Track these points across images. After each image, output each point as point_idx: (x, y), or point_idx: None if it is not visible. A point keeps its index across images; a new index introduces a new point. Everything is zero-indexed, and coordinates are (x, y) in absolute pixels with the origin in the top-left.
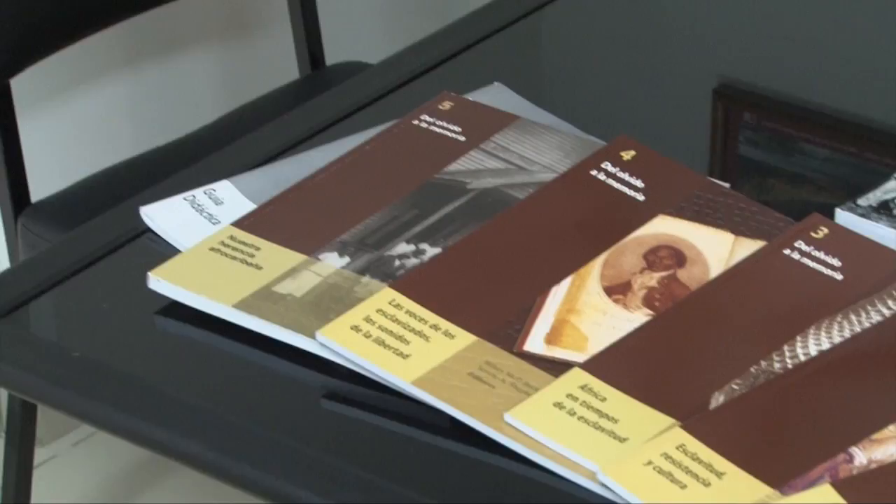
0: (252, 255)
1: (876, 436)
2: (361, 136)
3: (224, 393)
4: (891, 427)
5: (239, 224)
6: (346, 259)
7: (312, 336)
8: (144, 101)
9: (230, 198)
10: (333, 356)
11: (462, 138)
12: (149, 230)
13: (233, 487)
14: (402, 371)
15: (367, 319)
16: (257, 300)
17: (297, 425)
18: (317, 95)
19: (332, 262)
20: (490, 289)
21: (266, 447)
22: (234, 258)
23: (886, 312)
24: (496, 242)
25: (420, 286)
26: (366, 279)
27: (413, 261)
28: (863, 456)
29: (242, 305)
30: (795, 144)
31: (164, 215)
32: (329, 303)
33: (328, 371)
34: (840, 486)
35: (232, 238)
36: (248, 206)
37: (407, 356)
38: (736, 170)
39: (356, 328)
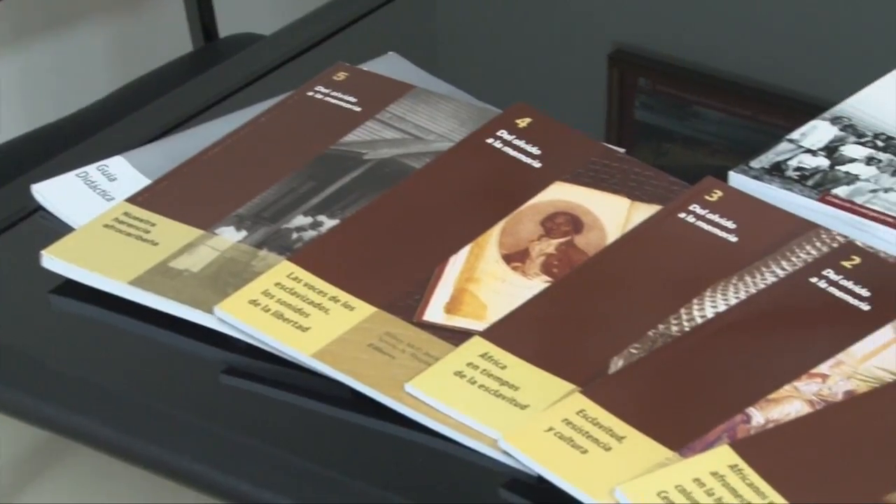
0: (147, 231)
1: (772, 395)
2: (256, 109)
3: (122, 370)
4: (786, 387)
5: (133, 200)
6: (244, 233)
7: (210, 311)
8: (35, 76)
9: (124, 173)
10: (232, 331)
11: (357, 109)
12: (41, 208)
13: (133, 465)
14: (301, 344)
15: (266, 293)
16: (154, 276)
17: (196, 401)
18: (210, 68)
19: (229, 236)
20: (389, 259)
21: (166, 423)
22: (129, 234)
23: (780, 273)
24: (394, 212)
25: (318, 258)
26: (263, 253)
27: (311, 233)
28: (760, 416)
29: (139, 282)
30: (690, 108)
31: (57, 193)
32: (227, 277)
33: (227, 346)
34: (738, 446)
35: (126, 214)
36: (142, 182)
37: (306, 329)
38: (632, 135)
39: (255, 302)
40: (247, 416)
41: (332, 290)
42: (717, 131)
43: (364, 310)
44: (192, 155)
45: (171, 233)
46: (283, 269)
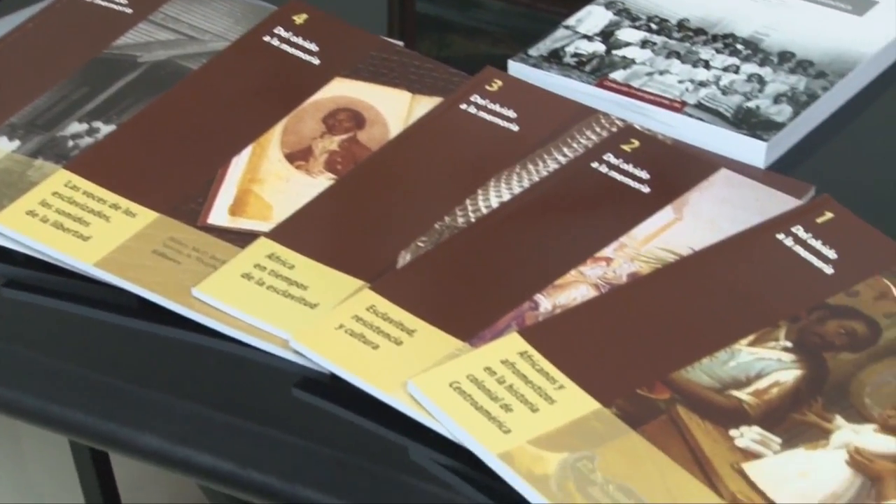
0: None
1: (558, 281)
2: (22, 15)
3: None
4: (572, 272)
5: None
6: (17, 142)
7: None
8: None
9: None
10: (11, 243)
11: (129, 10)
12: None
13: None
14: (83, 253)
15: (43, 203)
16: None
17: None
18: None
19: (2, 146)
20: (169, 163)
21: None
22: None
23: (562, 159)
24: (172, 116)
25: (96, 165)
26: (38, 162)
27: (87, 140)
28: (547, 302)
29: None
30: None
31: None
32: (1, 189)
33: (6, 259)
34: (526, 333)
35: None
36: None
37: (88, 238)
38: (414, 28)
39: (32, 213)
40: (31, 329)
41: (112, 198)
42: (497, 21)
43: (146, 216)
44: None
45: None
46: (60, 178)
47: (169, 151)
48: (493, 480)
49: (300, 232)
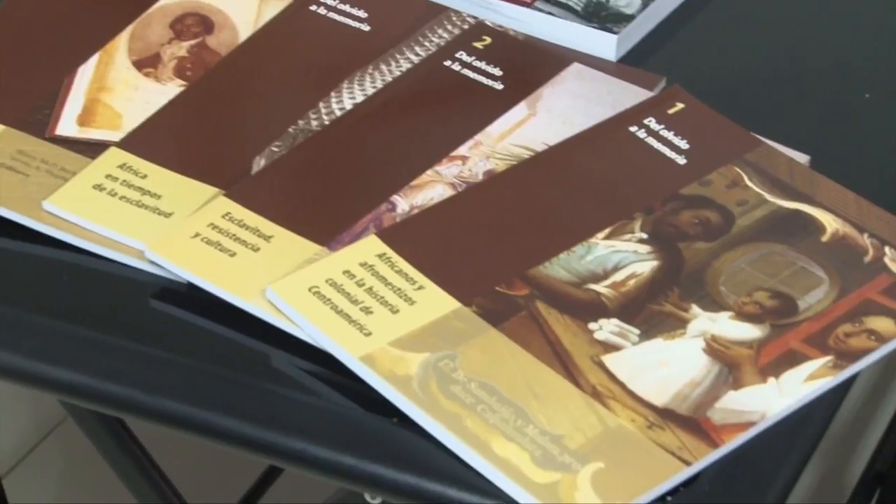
0: None
1: (415, 182)
2: None
3: None
4: (428, 172)
5: None
6: None
7: None
8: None
9: None
10: None
11: None
12: None
13: None
14: None
15: None
16: None
17: None
18: None
19: None
20: (13, 74)
21: None
22: None
23: (415, 59)
24: (14, 25)
25: None
26: None
27: None
28: (404, 203)
29: None
30: None
31: None
32: None
33: None
34: (384, 234)
35: None
36: None
37: None
38: None
39: None
40: None
41: None
42: None
43: None
44: None
45: None
46: None
47: (12, 61)
48: (355, 383)
49: (151, 140)
